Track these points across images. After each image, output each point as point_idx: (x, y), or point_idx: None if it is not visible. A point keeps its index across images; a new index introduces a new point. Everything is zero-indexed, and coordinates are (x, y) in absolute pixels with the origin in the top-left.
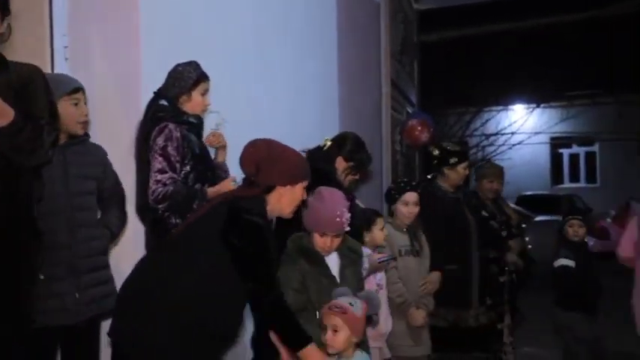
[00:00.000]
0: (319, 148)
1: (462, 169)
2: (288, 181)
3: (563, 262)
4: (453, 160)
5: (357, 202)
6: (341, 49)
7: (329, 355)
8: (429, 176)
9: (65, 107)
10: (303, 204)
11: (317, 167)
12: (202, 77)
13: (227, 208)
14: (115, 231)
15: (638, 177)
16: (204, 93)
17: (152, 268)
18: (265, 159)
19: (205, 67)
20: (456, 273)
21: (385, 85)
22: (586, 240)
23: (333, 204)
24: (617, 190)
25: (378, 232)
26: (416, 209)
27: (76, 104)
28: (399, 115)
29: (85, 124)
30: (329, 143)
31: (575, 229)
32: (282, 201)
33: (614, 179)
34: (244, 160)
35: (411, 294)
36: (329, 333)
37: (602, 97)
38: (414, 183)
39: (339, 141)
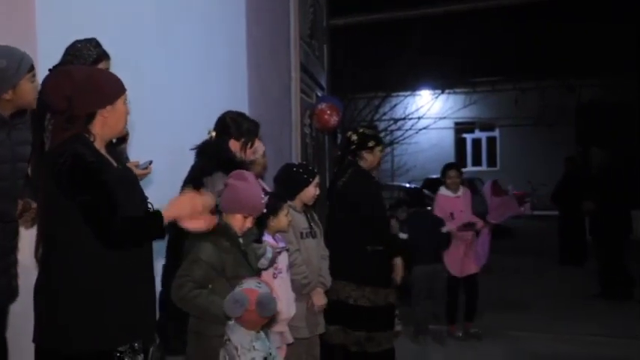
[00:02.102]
0: (208, 142)
1: (378, 151)
2: (107, 101)
3: None
4: (371, 144)
5: (264, 185)
6: (250, 33)
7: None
8: (350, 158)
9: (27, 84)
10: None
11: (218, 159)
12: (103, 55)
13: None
14: None
15: (535, 161)
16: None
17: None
18: (75, 88)
19: (105, 47)
20: (382, 254)
21: (295, 69)
22: None
23: (256, 186)
24: (516, 174)
25: (283, 218)
26: (318, 192)
27: (33, 81)
28: (309, 99)
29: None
30: (214, 133)
31: None
32: (109, 123)
33: (512, 163)
34: (52, 97)
35: (311, 275)
36: None
37: (502, 84)
38: (315, 168)
39: (221, 126)
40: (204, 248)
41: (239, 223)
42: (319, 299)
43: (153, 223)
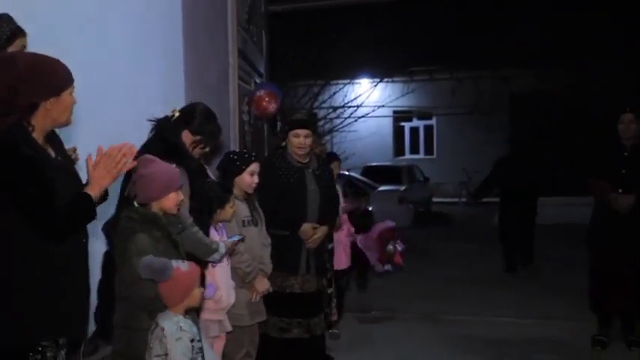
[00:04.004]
0: (167, 119)
1: (291, 136)
2: (52, 92)
3: None
4: (287, 129)
5: (210, 175)
6: (186, 18)
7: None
8: (283, 145)
9: None
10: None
11: (164, 138)
12: (17, 32)
13: None
14: None
15: (471, 149)
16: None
17: None
18: (20, 78)
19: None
20: (287, 239)
21: (232, 55)
22: None
23: (161, 162)
24: (452, 162)
25: (229, 209)
26: (257, 180)
27: None
28: (247, 86)
29: None
30: (177, 114)
31: None
32: (51, 115)
33: (449, 151)
34: None
35: (253, 263)
36: None
37: (439, 73)
38: (253, 154)
39: (187, 113)
40: (139, 240)
41: (173, 201)
42: (262, 285)
43: (85, 205)
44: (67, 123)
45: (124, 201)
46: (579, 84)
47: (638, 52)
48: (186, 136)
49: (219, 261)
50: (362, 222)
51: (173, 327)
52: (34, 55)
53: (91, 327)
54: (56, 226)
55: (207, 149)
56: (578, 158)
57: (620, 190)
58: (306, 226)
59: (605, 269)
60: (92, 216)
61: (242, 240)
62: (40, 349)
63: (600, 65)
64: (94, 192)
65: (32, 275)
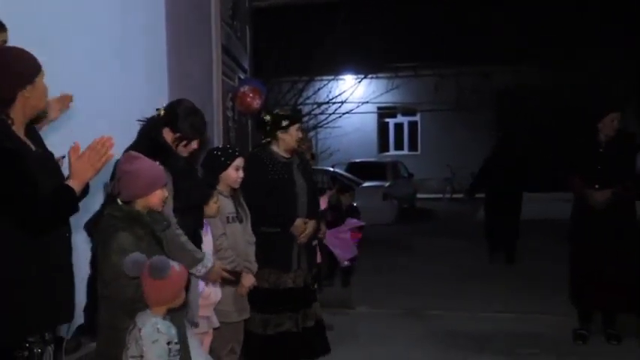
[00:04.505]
0: (152, 118)
1: (294, 130)
2: (27, 80)
3: None
4: (285, 123)
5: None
6: (169, 13)
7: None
8: (264, 141)
9: None
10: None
11: (150, 137)
12: None
13: None
14: None
15: (455, 145)
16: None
17: None
18: None
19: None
20: (279, 236)
21: (216, 51)
22: None
23: (146, 158)
24: (436, 158)
25: (213, 205)
26: (242, 174)
27: None
28: (231, 82)
29: None
30: (162, 112)
31: None
32: (31, 104)
33: (433, 147)
34: None
35: (238, 259)
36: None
37: (423, 70)
38: (236, 149)
39: (169, 111)
40: (120, 238)
41: (159, 198)
42: (248, 280)
43: (67, 198)
44: (45, 109)
45: (108, 198)
46: (560, 80)
47: (619, 49)
48: (167, 134)
49: (203, 275)
50: (338, 216)
51: (150, 328)
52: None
53: (78, 323)
54: (39, 219)
55: (193, 146)
56: (561, 154)
57: (596, 186)
58: (299, 222)
59: (585, 265)
60: (75, 208)
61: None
62: (27, 345)
63: (581, 61)
64: (76, 185)
65: (16, 271)
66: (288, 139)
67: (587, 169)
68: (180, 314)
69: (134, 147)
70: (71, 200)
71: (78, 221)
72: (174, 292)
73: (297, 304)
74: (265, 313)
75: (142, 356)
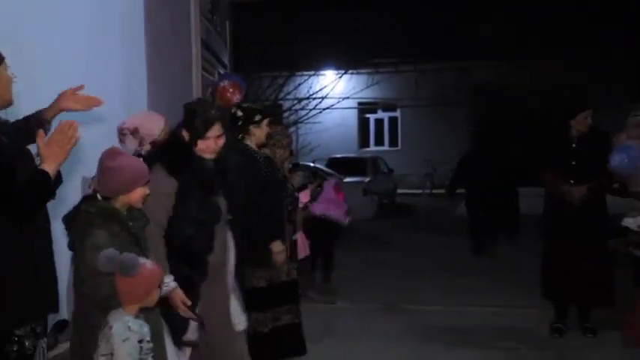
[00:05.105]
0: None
1: (264, 125)
2: None
3: None
4: (257, 117)
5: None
6: (147, 7)
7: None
8: (239, 137)
9: None
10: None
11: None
12: None
13: None
14: None
15: (435, 141)
16: None
17: None
18: None
19: None
20: (272, 232)
21: (195, 45)
22: None
23: (135, 157)
24: (416, 153)
25: None
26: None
27: None
28: (211, 77)
29: None
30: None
31: None
32: None
33: (413, 143)
34: None
35: None
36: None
37: (403, 65)
38: None
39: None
40: (95, 235)
41: (140, 195)
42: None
43: (42, 181)
44: (10, 100)
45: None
46: (539, 76)
47: (596, 45)
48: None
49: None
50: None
51: (121, 327)
52: None
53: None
54: (17, 205)
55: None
56: (535, 150)
57: (571, 182)
58: (279, 246)
59: (560, 260)
60: (51, 193)
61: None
62: (16, 339)
63: (560, 58)
64: (50, 169)
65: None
66: (259, 133)
67: (561, 165)
68: (155, 313)
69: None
70: (48, 184)
71: (57, 213)
72: (145, 291)
73: (294, 297)
74: (265, 311)
75: (112, 354)
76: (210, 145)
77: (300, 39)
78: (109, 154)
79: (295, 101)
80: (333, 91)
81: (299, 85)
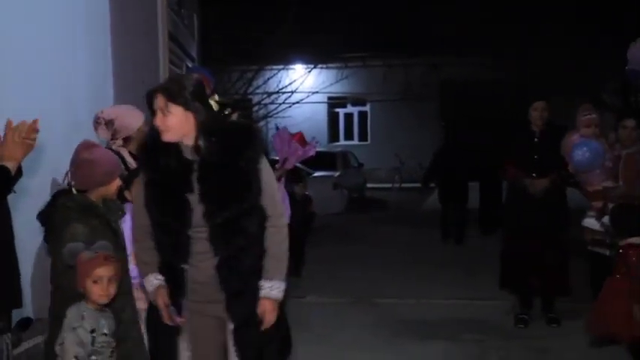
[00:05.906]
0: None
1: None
2: None
3: None
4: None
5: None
6: (113, 1)
7: (104, 305)
8: None
9: None
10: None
11: None
12: None
13: None
14: None
15: (404, 135)
16: None
17: None
18: None
19: None
20: None
21: (162, 39)
22: None
23: (107, 150)
24: (386, 147)
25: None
26: None
27: None
28: (178, 70)
29: None
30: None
31: None
32: None
33: (382, 137)
34: None
35: None
36: (104, 283)
37: (372, 60)
38: None
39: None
40: (73, 229)
41: (114, 187)
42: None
43: (1, 176)
44: None
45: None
46: (507, 72)
47: (564, 44)
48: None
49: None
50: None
51: (75, 315)
52: None
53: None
54: None
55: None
56: (499, 144)
57: (534, 175)
58: None
59: (521, 251)
60: (9, 187)
61: None
62: None
63: (527, 54)
64: (9, 164)
65: None
66: None
67: (524, 159)
68: (125, 306)
69: None
70: (6, 179)
71: (19, 207)
72: (80, 282)
73: None
74: None
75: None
76: (157, 122)
77: (269, 33)
78: (84, 147)
79: (265, 95)
80: (303, 86)
81: (268, 79)
